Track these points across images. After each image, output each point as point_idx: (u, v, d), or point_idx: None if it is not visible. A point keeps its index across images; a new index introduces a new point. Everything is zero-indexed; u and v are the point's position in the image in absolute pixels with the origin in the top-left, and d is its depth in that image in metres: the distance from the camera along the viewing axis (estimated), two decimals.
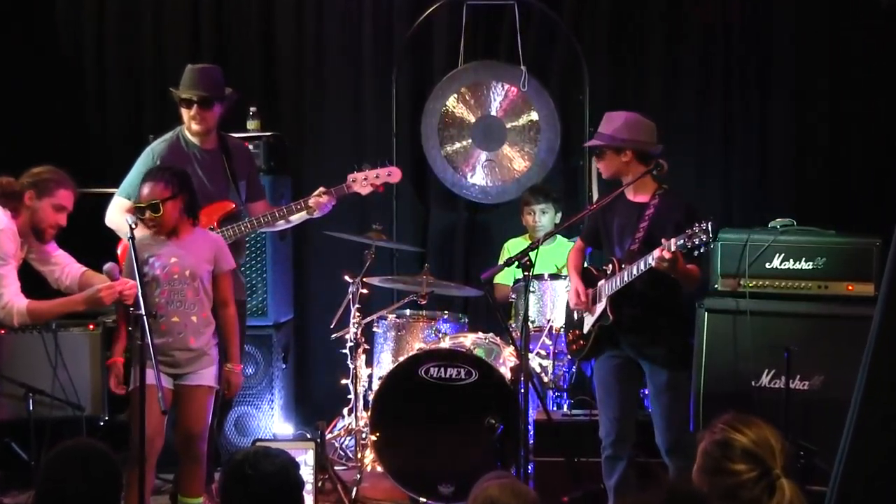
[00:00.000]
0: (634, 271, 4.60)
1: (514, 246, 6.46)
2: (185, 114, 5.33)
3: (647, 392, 5.09)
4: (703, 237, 4.34)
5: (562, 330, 5.91)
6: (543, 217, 6.44)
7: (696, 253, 4.46)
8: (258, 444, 4.86)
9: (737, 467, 2.54)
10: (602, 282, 4.82)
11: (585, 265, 5.10)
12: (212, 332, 4.79)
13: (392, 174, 5.47)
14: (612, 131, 4.80)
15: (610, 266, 4.80)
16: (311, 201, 5.32)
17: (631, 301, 4.74)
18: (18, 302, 4.66)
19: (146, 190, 4.68)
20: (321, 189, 5.36)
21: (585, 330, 4.93)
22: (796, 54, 6.79)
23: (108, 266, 4.64)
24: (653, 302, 4.74)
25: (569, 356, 5.57)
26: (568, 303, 5.16)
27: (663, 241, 4.46)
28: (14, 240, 4.69)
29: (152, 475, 4.88)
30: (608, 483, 4.89)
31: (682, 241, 4.39)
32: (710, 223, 4.35)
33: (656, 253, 4.45)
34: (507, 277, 6.37)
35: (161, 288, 4.66)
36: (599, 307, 4.82)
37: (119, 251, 5.28)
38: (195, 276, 4.74)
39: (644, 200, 4.80)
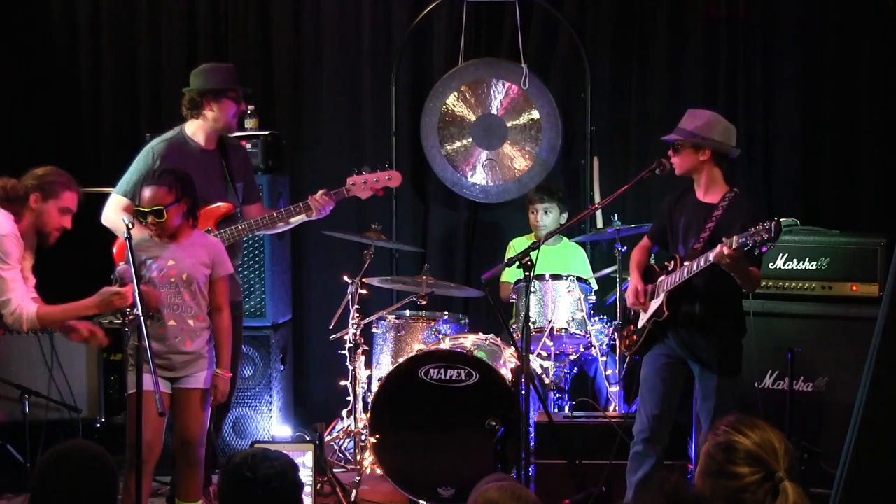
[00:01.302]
0: (694, 268, 4.65)
1: (519, 244, 6.47)
2: (230, 109, 5.33)
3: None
4: (765, 235, 4.37)
5: (574, 330, 5.96)
6: (546, 216, 6.45)
7: (756, 252, 4.51)
8: (256, 446, 4.90)
9: (740, 470, 2.56)
10: (662, 277, 4.87)
11: (651, 264, 5.13)
12: (208, 336, 4.82)
13: (392, 178, 5.49)
14: (695, 128, 4.82)
15: (672, 262, 4.84)
16: (311, 202, 5.34)
17: (689, 298, 4.78)
18: (28, 307, 4.62)
19: (148, 194, 4.69)
20: (322, 191, 5.37)
21: (640, 325, 4.97)
22: (802, 51, 6.80)
23: (120, 268, 4.67)
24: (711, 301, 4.77)
25: (620, 351, 5.59)
26: (624, 300, 5.20)
27: (724, 238, 4.51)
28: (18, 244, 4.66)
29: (150, 480, 4.91)
30: (631, 478, 4.91)
31: (744, 239, 4.43)
32: (774, 223, 4.37)
33: (718, 249, 4.50)
34: (509, 276, 6.39)
35: (158, 291, 4.68)
36: (656, 303, 4.87)
37: (115, 250, 5.29)
38: (192, 280, 4.76)
39: (714, 201, 4.83)
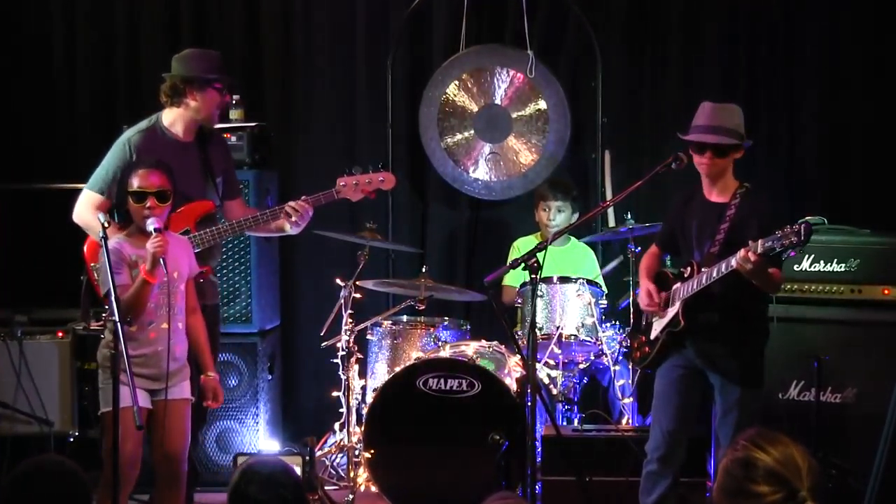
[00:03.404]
0: (714, 274, 4.59)
1: (524, 245, 6.46)
2: (214, 100, 5.33)
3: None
4: (794, 239, 4.32)
5: (584, 337, 5.94)
6: (559, 215, 6.43)
7: (784, 256, 4.47)
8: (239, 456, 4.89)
9: (760, 489, 2.54)
10: (677, 285, 4.82)
11: (664, 269, 5.09)
12: (187, 341, 4.83)
13: (385, 180, 5.47)
14: (735, 125, 4.75)
15: (688, 269, 4.79)
16: (290, 209, 5.28)
17: (707, 306, 4.73)
18: None
19: (145, 176, 4.68)
20: (303, 197, 5.33)
21: (653, 336, 4.93)
22: (828, 40, 6.79)
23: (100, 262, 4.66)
24: (731, 308, 4.73)
25: (631, 364, 5.58)
26: (636, 306, 5.18)
27: (750, 242, 4.45)
28: None
29: (126, 501, 4.89)
30: (645, 501, 4.88)
31: (770, 243, 4.37)
32: (804, 226, 4.32)
33: (741, 254, 4.44)
34: (514, 279, 6.38)
35: (156, 293, 4.66)
36: (671, 312, 4.82)
37: (86, 250, 5.25)
38: (182, 279, 4.78)
39: (724, 200, 4.79)
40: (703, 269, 4.70)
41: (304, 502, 3.17)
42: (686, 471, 4.97)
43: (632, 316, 5.48)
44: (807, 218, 5.52)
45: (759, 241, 4.41)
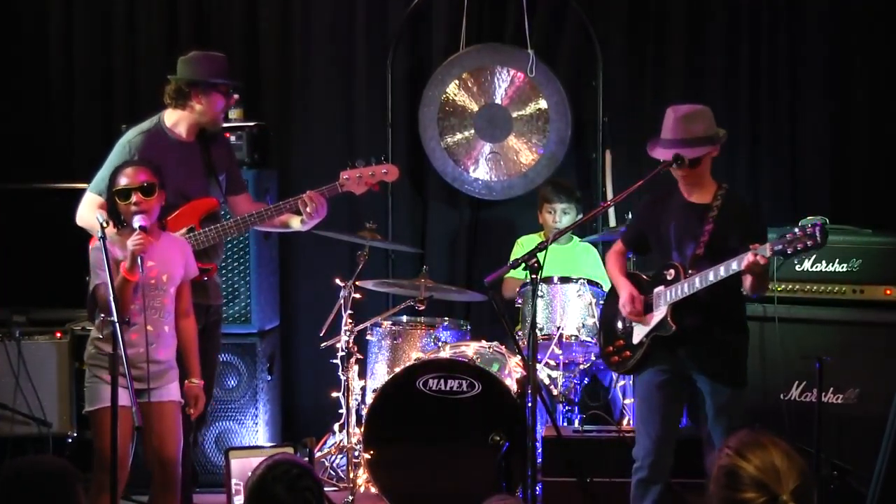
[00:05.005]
0: (711, 277, 4.55)
1: (528, 242, 6.46)
2: (219, 104, 5.34)
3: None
4: (809, 243, 4.30)
5: (585, 338, 5.93)
6: (564, 217, 6.40)
7: (794, 259, 4.44)
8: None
9: (746, 496, 2.59)
10: (661, 288, 4.76)
11: (635, 271, 5.08)
12: (176, 344, 4.83)
13: (389, 172, 5.48)
14: (706, 130, 4.73)
15: (672, 271, 4.72)
16: (300, 204, 5.29)
17: (693, 309, 4.69)
18: None
19: (131, 173, 4.68)
20: (310, 191, 5.33)
21: (636, 340, 4.87)
22: (830, 38, 6.79)
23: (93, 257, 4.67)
24: (716, 311, 4.71)
25: (611, 368, 5.58)
26: (602, 310, 5.17)
27: (752, 245, 4.40)
28: None
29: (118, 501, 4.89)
30: None
31: (780, 247, 4.35)
32: (818, 228, 4.29)
33: (749, 258, 4.39)
34: (518, 271, 6.36)
35: (136, 293, 4.66)
36: (658, 316, 4.77)
37: (90, 250, 5.26)
38: (172, 282, 4.77)
39: (706, 201, 4.76)
40: (691, 272, 4.66)
41: None
42: (684, 472, 4.97)
43: (598, 319, 5.43)
44: (808, 218, 5.54)
45: (768, 246, 4.38)
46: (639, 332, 4.86)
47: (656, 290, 4.79)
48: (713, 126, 4.78)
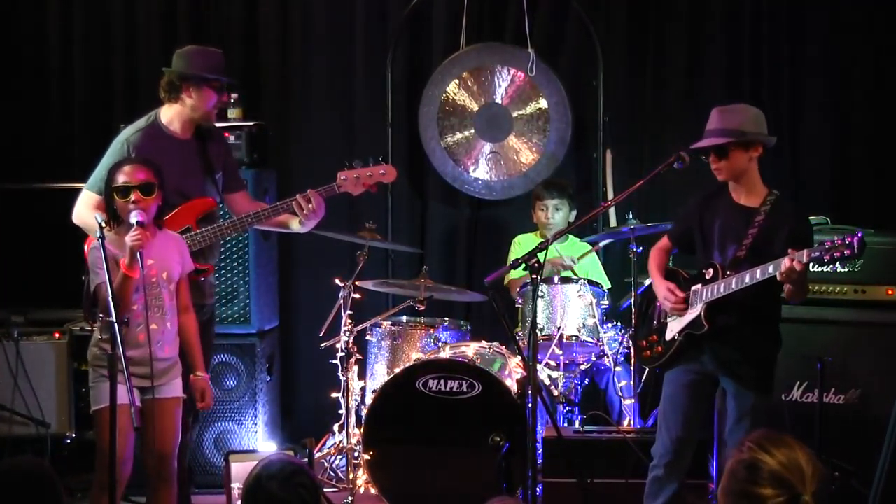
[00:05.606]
0: (747, 279, 4.56)
1: (525, 241, 6.47)
2: (211, 99, 5.33)
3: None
4: (846, 252, 4.29)
5: (586, 338, 5.93)
6: (557, 214, 6.44)
7: (830, 267, 4.45)
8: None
9: (764, 492, 2.55)
10: (698, 286, 4.77)
11: (674, 267, 5.07)
12: (178, 341, 4.83)
13: (386, 173, 5.47)
14: (739, 124, 4.73)
15: (710, 270, 4.74)
16: (296, 205, 5.28)
17: (727, 310, 4.69)
18: None
19: (130, 171, 4.67)
20: (309, 190, 5.32)
21: (668, 337, 4.89)
22: (832, 35, 6.78)
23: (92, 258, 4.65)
24: (750, 313, 4.71)
25: (638, 363, 5.58)
26: (641, 305, 5.17)
27: (790, 251, 4.40)
28: None
29: (118, 501, 4.89)
30: None
31: (817, 254, 4.35)
32: (857, 238, 4.29)
33: (786, 263, 4.39)
34: (520, 272, 6.36)
35: (138, 293, 4.66)
36: (692, 313, 4.78)
37: (86, 250, 5.25)
38: (171, 280, 4.77)
39: (755, 205, 4.76)
40: (729, 273, 4.66)
41: None
42: (688, 472, 4.97)
43: (634, 314, 5.46)
44: (810, 219, 5.53)
45: (805, 252, 4.38)
46: (673, 329, 4.88)
47: (693, 287, 4.81)
48: (752, 124, 4.76)
